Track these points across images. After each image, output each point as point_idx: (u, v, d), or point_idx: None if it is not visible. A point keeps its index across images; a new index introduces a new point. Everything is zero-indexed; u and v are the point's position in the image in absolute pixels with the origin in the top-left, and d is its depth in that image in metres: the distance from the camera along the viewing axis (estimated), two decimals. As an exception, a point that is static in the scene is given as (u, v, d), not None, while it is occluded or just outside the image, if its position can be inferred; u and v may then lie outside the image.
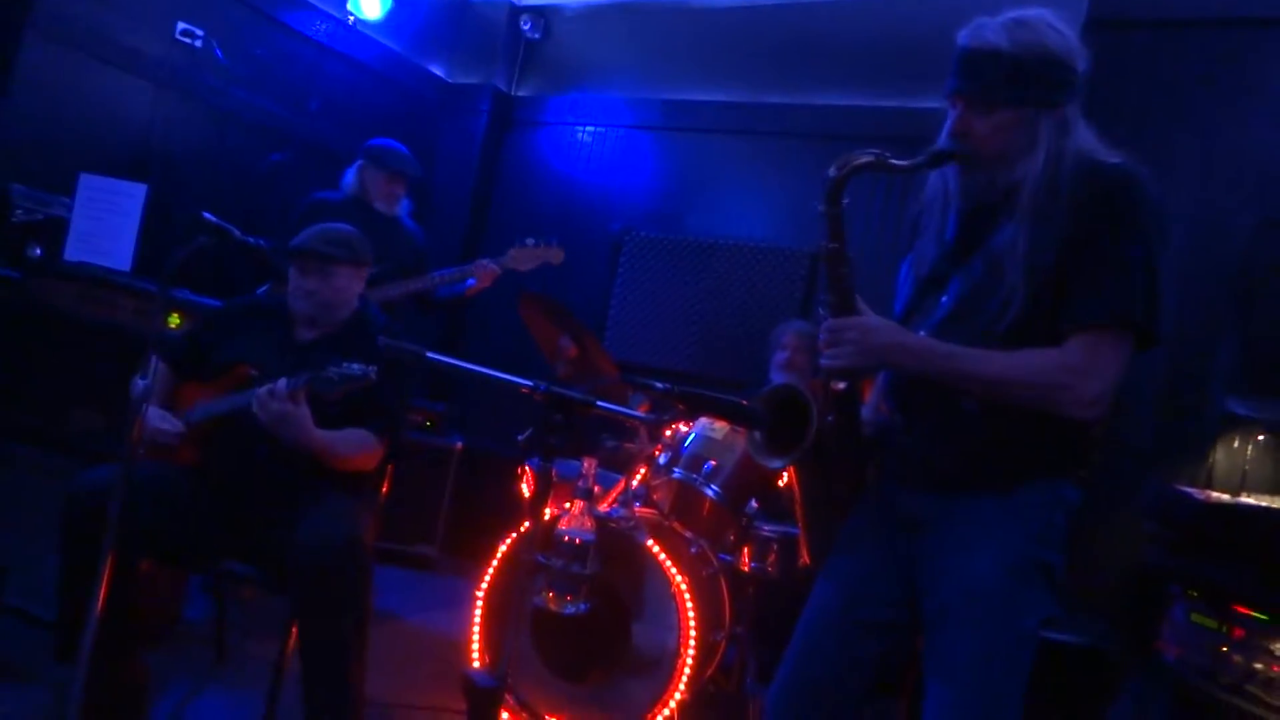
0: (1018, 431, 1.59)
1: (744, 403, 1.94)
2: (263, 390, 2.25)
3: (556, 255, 4.06)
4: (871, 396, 1.88)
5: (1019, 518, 1.59)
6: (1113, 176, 1.55)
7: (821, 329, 1.64)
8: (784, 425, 1.73)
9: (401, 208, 4.06)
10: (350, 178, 3.99)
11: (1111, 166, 1.57)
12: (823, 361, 1.64)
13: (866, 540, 1.76)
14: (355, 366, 2.20)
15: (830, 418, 1.68)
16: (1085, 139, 1.62)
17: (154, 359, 2.07)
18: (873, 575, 1.74)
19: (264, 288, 3.78)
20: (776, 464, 1.75)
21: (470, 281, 4.03)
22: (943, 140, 1.67)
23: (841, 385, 1.67)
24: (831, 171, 1.63)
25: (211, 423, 2.47)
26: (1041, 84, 1.59)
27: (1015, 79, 1.58)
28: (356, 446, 2.44)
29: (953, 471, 1.64)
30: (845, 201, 1.64)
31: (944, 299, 1.70)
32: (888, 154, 1.61)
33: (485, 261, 4.01)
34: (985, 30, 1.61)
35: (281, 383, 2.23)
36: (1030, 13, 1.62)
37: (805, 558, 1.86)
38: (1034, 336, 1.55)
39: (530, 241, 4.05)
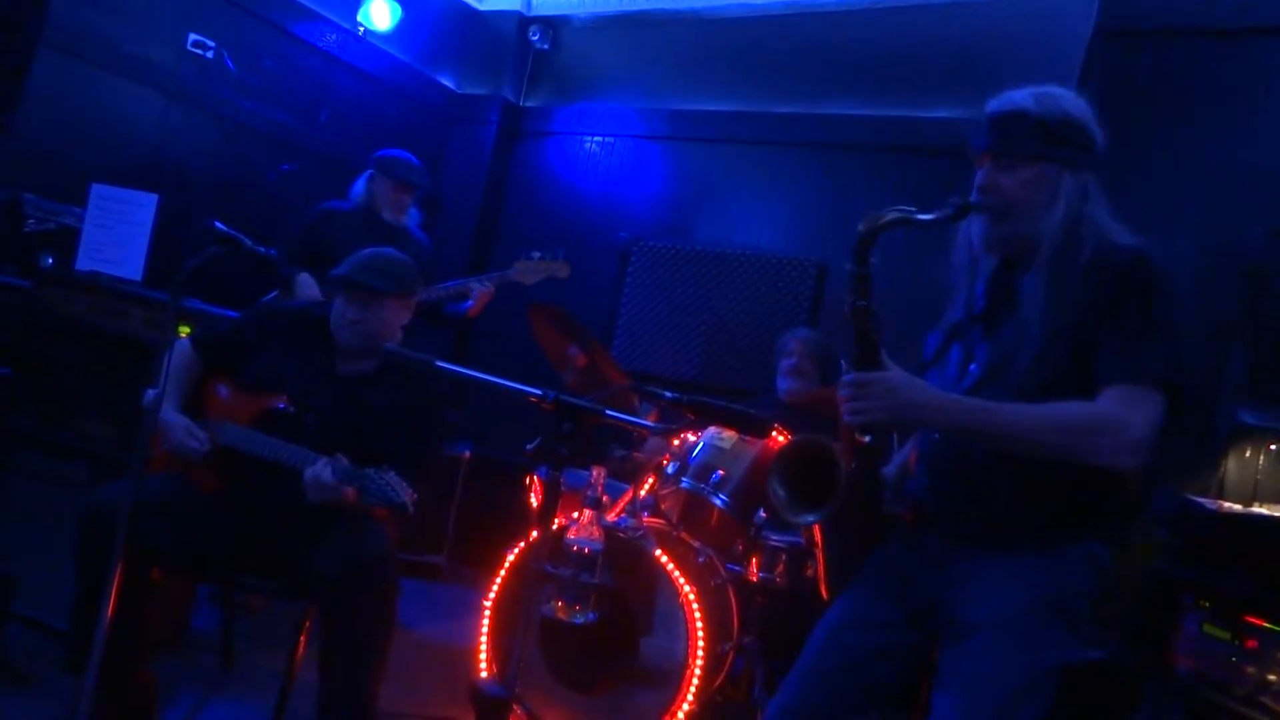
0: (1049, 496, 1.62)
1: (752, 411, 1.96)
2: (310, 477, 2.27)
3: (563, 269, 4.04)
4: (898, 456, 1.91)
5: (1047, 564, 1.63)
6: (1131, 257, 1.62)
7: (846, 382, 1.67)
8: (808, 475, 1.75)
9: (410, 218, 4.06)
10: (359, 187, 3.99)
11: (1129, 248, 1.64)
12: (848, 417, 1.67)
13: (886, 568, 1.79)
14: (396, 490, 2.22)
15: (854, 465, 1.71)
16: (1103, 213, 1.70)
17: (172, 356, 2.08)
18: (886, 598, 1.76)
19: (271, 295, 3.79)
20: (808, 519, 1.77)
21: (469, 303, 4.02)
22: (971, 197, 1.73)
23: (867, 438, 1.70)
24: (860, 229, 1.68)
25: (239, 454, 2.44)
26: (1063, 143, 1.68)
27: (1040, 136, 1.68)
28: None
29: (981, 531, 1.67)
30: (873, 261, 1.68)
31: (972, 366, 1.75)
32: (913, 210, 1.67)
33: (476, 284, 3.98)
34: (1013, 96, 1.73)
35: (327, 472, 2.25)
36: (1054, 87, 1.74)
37: (824, 593, 1.88)
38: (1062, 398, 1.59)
39: (536, 255, 4.03)
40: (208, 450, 2.41)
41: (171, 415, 2.41)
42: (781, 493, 1.81)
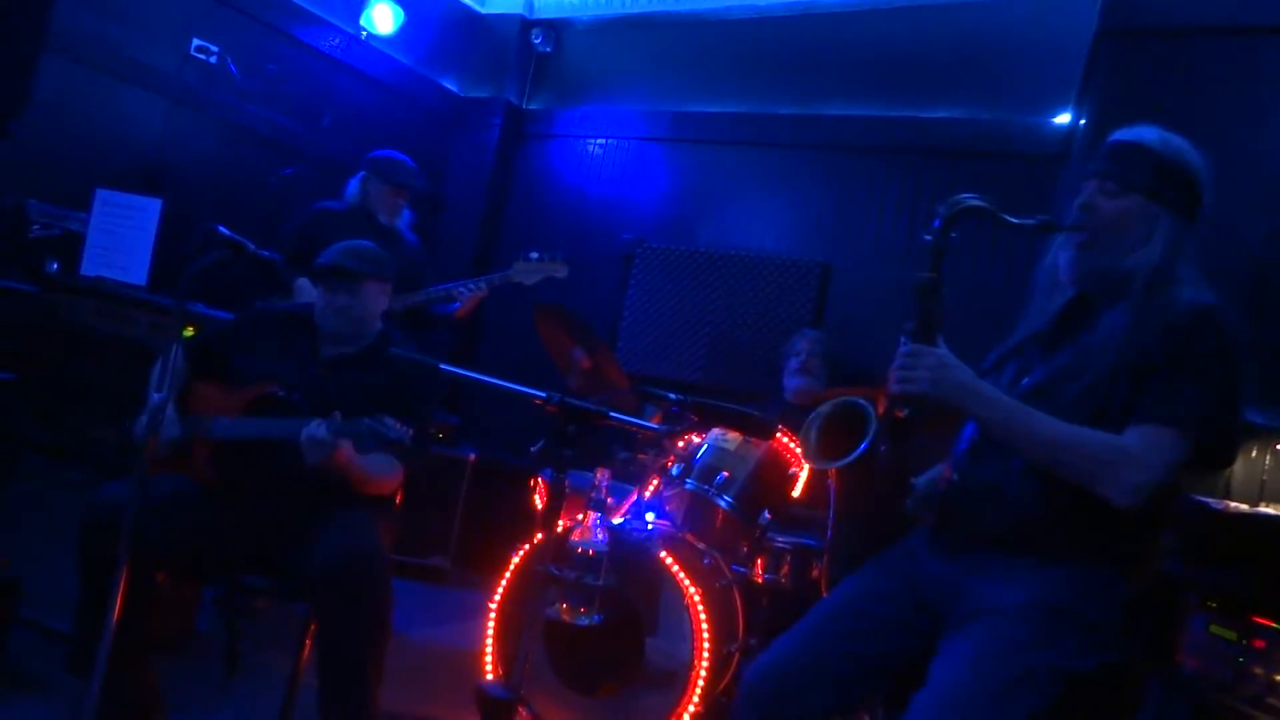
0: (1070, 511, 1.62)
1: (756, 413, 1.97)
2: (305, 436, 2.26)
3: (561, 269, 4.04)
4: (931, 471, 1.92)
5: (1068, 576, 1.63)
6: (1203, 314, 1.61)
7: (900, 353, 1.69)
8: (842, 439, 1.77)
9: (403, 219, 4.06)
10: (353, 188, 3.99)
11: (1204, 305, 1.63)
12: (893, 385, 1.69)
13: (900, 556, 1.80)
14: (393, 427, 2.21)
15: (884, 447, 1.72)
16: (1192, 269, 1.70)
17: (172, 358, 2.08)
18: (896, 580, 1.77)
19: (271, 299, 3.80)
20: (825, 465, 1.79)
21: (456, 305, 4.03)
22: (1070, 215, 1.75)
23: (904, 413, 1.71)
24: (941, 208, 1.70)
25: (233, 443, 2.44)
26: (1174, 187, 1.69)
27: (1154, 171, 1.69)
28: (384, 473, 2.47)
29: (1001, 531, 1.67)
30: (953, 235, 1.70)
31: (1025, 380, 1.76)
32: (998, 208, 1.69)
33: (468, 287, 4.00)
34: (1139, 130, 1.75)
35: (322, 429, 2.24)
36: (1182, 139, 1.75)
37: (823, 588, 1.88)
38: (1107, 426, 1.60)
39: (534, 255, 4.03)
40: (178, 435, 2.41)
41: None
42: (814, 439, 1.83)
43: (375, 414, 2.24)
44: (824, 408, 1.88)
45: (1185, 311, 1.61)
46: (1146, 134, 1.73)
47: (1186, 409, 1.56)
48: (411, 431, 2.24)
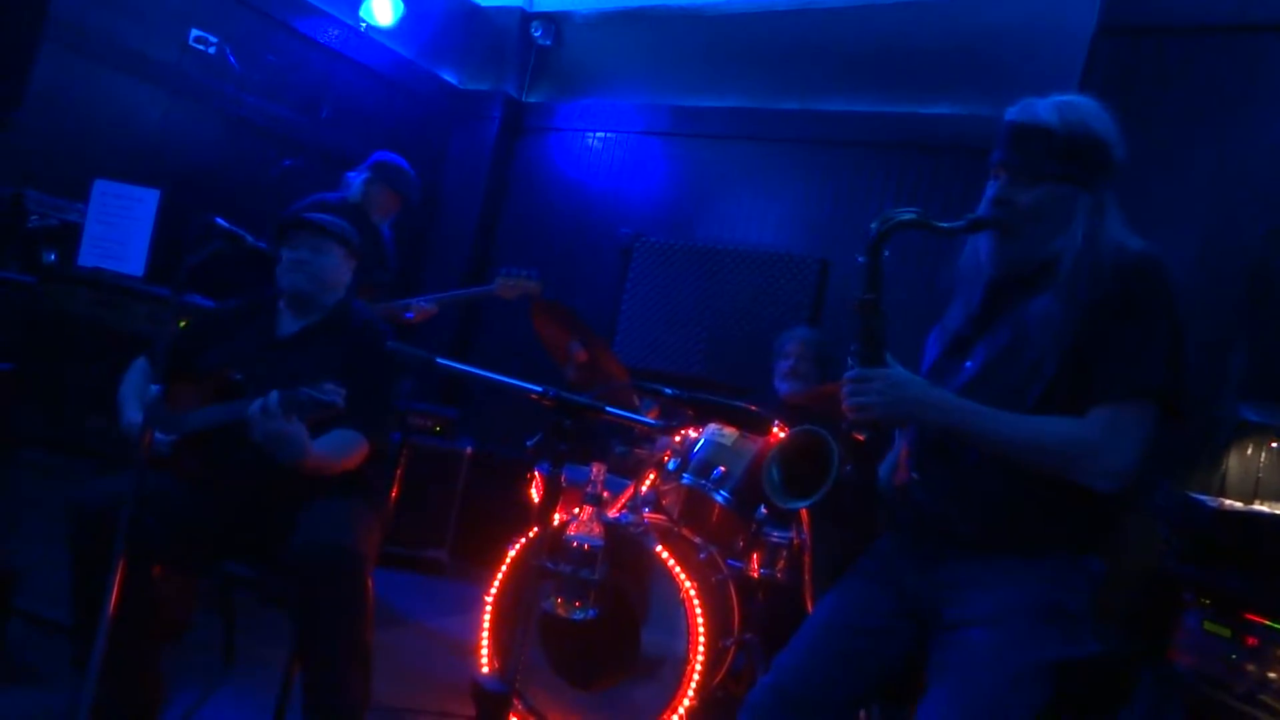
0: (1039, 502, 1.61)
1: (753, 408, 1.97)
2: (255, 409, 2.21)
3: (535, 289, 4.11)
4: (889, 458, 1.91)
5: (1041, 570, 1.62)
6: (1140, 262, 1.60)
7: (847, 377, 1.67)
8: (804, 468, 1.76)
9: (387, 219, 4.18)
10: (356, 184, 4.03)
11: (1139, 254, 1.61)
12: (847, 411, 1.67)
13: (881, 561, 1.79)
14: (328, 389, 2.18)
15: (849, 467, 1.71)
16: (1116, 223, 1.66)
17: (132, 368, 2.07)
18: (884, 587, 1.76)
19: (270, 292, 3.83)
20: (791, 506, 1.78)
21: (409, 315, 4.09)
22: (983, 208, 1.72)
23: (864, 436, 1.70)
24: (874, 225, 1.68)
25: (204, 433, 2.42)
26: (1084, 164, 1.64)
27: (1061, 156, 1.64)
28: (345, 450, 2.43)
29: (973, 534, 1.66)
30: (885, 254, 1.68)
31: (968, 364, 1.74)
32: (929, 215, 1.66)
33: (422, 302, 4.10)
34: (1036, 108, 1.68)
35: (273, 398, 2.20)
36: (1078, 98, 1.69)
37: (809, 605, 1.88)
38: (1056, 407, 1.59)
39: (513, 272, 4.14)
40: (175, 441, 2.42)
41: (136, 416, 2.42)
42: (776, 477, 1.83)
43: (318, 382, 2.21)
44: (780, 442, 1.88)
45: (1119, 271, 1.58)
46: (1044, 111, 1.66)
47: (1146, 380, 1.55)
48: (344, 391, 2.19)
